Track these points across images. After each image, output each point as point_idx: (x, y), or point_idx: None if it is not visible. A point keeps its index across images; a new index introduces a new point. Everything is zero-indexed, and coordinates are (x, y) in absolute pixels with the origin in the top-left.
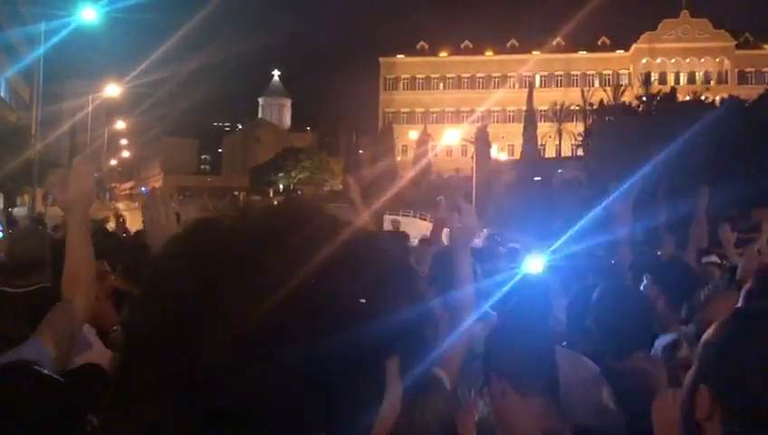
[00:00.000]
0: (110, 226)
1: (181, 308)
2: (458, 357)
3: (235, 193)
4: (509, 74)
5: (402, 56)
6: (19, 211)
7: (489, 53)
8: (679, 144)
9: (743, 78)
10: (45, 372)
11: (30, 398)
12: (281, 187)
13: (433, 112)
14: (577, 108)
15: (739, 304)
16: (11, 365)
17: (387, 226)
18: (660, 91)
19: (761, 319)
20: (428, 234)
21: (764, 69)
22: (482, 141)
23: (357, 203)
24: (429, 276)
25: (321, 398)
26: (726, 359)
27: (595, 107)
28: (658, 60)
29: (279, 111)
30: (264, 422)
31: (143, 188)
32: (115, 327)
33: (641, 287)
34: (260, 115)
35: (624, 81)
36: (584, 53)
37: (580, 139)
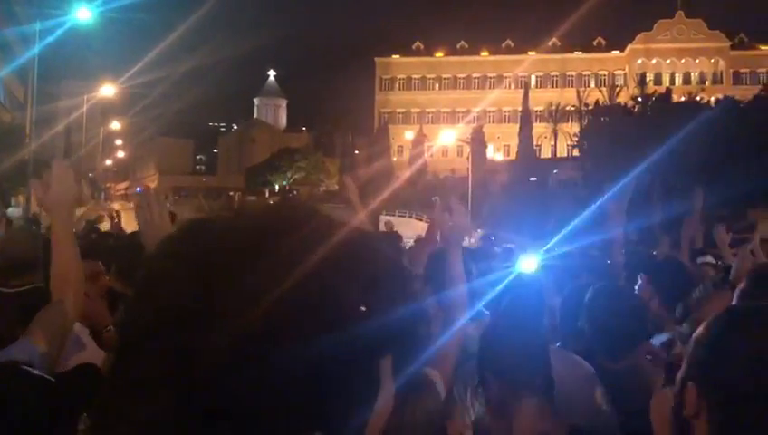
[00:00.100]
0: (105, 225)
1: (175, 308)
2: (452, 356)
3: (231, 193)
4: (505, 75)
5: (398, 56)
6: (14, 211)
7: (485, 53)
8: (674, 144)
9: (737, 78)
10: (35, 372)
11: (19, 398)
12: (276, 187)
13: (429, 113)
14: (572, 108)
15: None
16: (0, 366)
17: (381, 226)
18: (656, 91)
19: (748, 317)
20: (424, 234)
21: (759, 69)
22: (477, 142)
23: (355, 203)
24: (424, 276)
25: (317, 397)
26: (713, 355)
27: (590, 107)
28: (654, 60)
29: (274, 112)
30: (260, 422)
31: (138, 189)
32: (109, 327)
33: (636, 287)
34: (255, 115)
35: (619, 81)
36: (580, 53)
37: (576, 139)
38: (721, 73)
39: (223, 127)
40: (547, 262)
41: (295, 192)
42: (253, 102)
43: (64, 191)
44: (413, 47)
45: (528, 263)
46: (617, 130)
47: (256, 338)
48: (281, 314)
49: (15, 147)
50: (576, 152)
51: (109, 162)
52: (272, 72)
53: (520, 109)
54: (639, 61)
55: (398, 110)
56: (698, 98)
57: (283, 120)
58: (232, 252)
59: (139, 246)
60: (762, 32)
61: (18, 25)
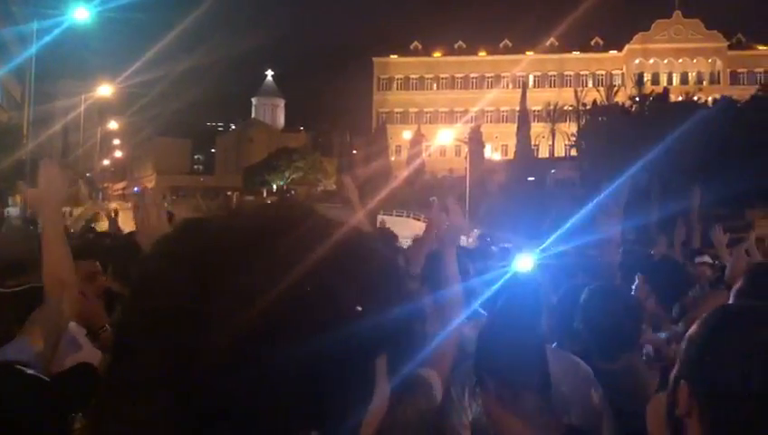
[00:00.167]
0: (101, 225)
1: (171, 308)
2: (449, 355)
3: (228, 193)
4: (502, 74)
5: (396, 56)
6: (12, 211)
7: (482, 53)
8: (672, 144)
9: (735, 78)
10: (29, 371)
11: (13, 397)
12: (274, 187)
13: (426, 112)
14: (570, 108)
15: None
16: None
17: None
18: (653, 91)
19: (739, 315)
20: (421, 234)
21: (756, 69)
22: (475, 141)
23: (354, 203)
24: (421, 275)
25: (314, 396)
26: (704, 354)
27: (588, 107)
28: (651, 60)
29: (272, 111)
30: (257, 422)
31: (136, 188)
32: (105, 327)
33: (632, 287)
34: (253, 115)
35: (617, 81)
36: (577, 53)
37: (574, 139)
38: (718, 73)
39: (220, 127)
40: (543, 261)
41: (293, 192)
42: (250, 102)
43: (54, 191)
44: (411, 47)
45: (524, 262)
46: (614, 130)
47: (253, 338)
48: (277, 314)
49: (13, 147)
50: (574, 152)
51: (106, 162)
52: (269, 72)
53: (518, 109)
54: (637, 61)
55: (396, 109)
56: (696, 98)
57: (280, 120)
58: (228, 252)
59: (136, 245)
60: (759, 32)
61: (15, 25)
